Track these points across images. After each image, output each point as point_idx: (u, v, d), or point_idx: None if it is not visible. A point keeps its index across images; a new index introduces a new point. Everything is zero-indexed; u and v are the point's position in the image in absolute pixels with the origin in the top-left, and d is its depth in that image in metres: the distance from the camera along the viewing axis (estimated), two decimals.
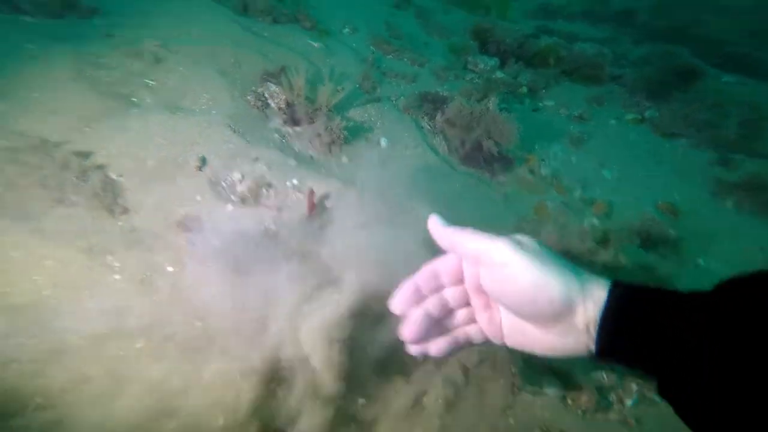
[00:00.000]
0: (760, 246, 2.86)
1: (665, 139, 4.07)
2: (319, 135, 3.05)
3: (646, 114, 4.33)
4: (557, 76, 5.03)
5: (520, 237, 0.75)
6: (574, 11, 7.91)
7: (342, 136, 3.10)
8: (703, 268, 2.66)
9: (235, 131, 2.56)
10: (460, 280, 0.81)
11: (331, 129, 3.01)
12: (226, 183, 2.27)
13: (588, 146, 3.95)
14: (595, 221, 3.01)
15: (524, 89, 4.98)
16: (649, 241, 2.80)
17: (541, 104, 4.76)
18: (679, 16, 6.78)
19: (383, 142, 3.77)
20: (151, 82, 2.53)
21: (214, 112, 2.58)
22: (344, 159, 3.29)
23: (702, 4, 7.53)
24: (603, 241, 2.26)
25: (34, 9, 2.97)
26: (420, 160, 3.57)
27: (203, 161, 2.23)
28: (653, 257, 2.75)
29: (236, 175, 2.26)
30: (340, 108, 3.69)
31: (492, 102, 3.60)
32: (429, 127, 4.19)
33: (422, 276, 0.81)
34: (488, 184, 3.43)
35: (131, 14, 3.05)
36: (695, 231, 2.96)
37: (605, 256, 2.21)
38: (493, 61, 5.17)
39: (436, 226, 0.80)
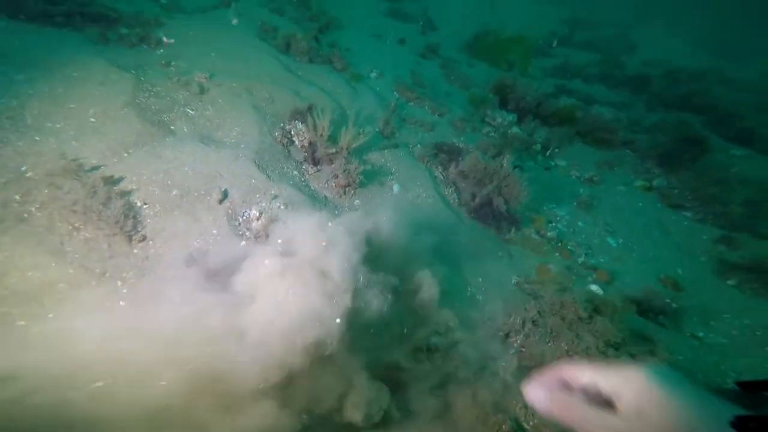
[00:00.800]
0: (760, 323, 2.78)
1: (672, 210, 4.05)
2: (336, 176, 3.13)
3: (655, 182, 4.35)
4: (571, 136, 5.12)
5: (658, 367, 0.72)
6: (591, 73, 8.19)
7: (358, 179, 3.18)
8: (702, 340, 2.57)
9: (258, 167, 2.65)
10: None
11: (349, 172, 3.09)
12: (243, 218, 2.32)
13: (596, 211, 3.95)
14: (596, 288, 2.95)
15: (538, 146, 5.08)
16: (649, 311, 2.74)
17: (553, 163, 4.82)
18: (690, 86, 6.97)
19: (396, 188, 3.82)
20: (191, 111, 2.67)
21: (242, 146, 2.69)
22: (357, 202, 3.34)
23: (710, 74, 7.76)
24: (598, 309, 2.21)
25: (118, 40, 3.31)
26: (430, 210, 3.59)
27: (225, 194, 2.30)
28: (652, 327, 2.68)
29: (254, 213, 2.31)
30: (359, 151, 3.80)
31: (506, 159, 3.67)
32: (442, 177, 4.25)
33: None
34: (494, 240, 3.43)
35: (189, 47, 3.29)
36: (696, 306, 2.89)
37: (599, 324, 2.16)
38: (511, 117, 5.29)
39: (537, 396, 0.80)
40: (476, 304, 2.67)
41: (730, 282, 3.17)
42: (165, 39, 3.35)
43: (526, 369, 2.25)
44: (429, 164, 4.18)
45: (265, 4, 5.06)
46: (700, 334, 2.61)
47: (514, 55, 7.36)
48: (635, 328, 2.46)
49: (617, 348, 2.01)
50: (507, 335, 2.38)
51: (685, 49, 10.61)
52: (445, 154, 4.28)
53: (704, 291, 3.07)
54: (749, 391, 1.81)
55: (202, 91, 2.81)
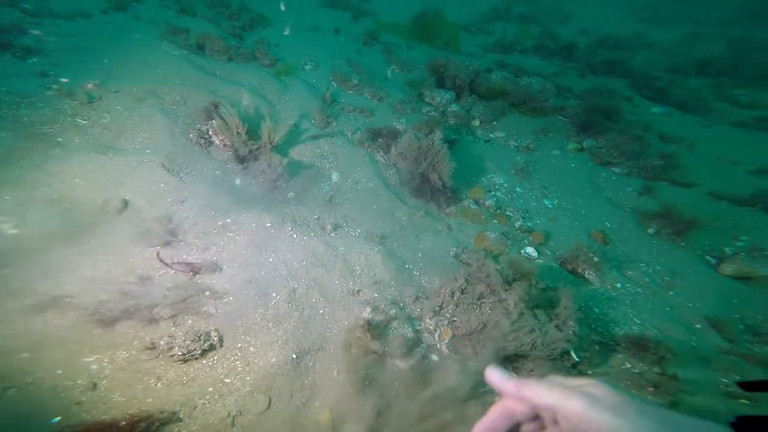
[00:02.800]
0: (669, 269, 2.90)
1: (602, 168, 4.14)
2: (263, 171, 2.94)
3: (585, 144, 4.42)
4: (506, 108, 5.11)
5: (596, 390, 0.65)
6: (527, 46, 8.23)
7: (286, 172, 3.00)
8: (619, 291, 2.65)
9: (169, 170, 2.43)
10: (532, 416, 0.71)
11: (274, 165, 2.92)
12: (149, 224, 2.12)
13: (533, 176, 3.96)
14: (531, 250, 2.96)
15: (477, 121, 5.05)
16: (577, 267, 2.78)
17: (492, 135, 4.80)
18: (616, 52, 7.17)
19: (335, 176, 3.67)
20: (82, 121, 2.39)
21: (148, 151, 2.45)
22: (290, 194, 3.17)
23: (635, 40, 8.02)
24: (518, 271, 2.19)
25: None
26: (371, 194, 3.48)
27: (125, 203, 2.08)
28: (577, 280, 2.73)
29: (157, 215, 2.11)
30: (290, 143, 3.60)
31: (437, 136, 3.59)
32: (384, 161, 4.13)
33: (494, 417, 0.72)
34: (435, 216, 3.37)
35: (73, 54, 2.93)
36: (619, 257, 2.96)
37: (518, 286, 2.14)
38: (449, 95, 5.22)
39: (498, 379, 0.70)
40: (413, 280, 2.61)
41: (650, 230, 3.27)
42: (34, 45, 2.94)
43: (459, 338, 2.22)
44: (370, 149, 4.05)
45: (170, 6, 4.65)
46: (618, 285, 2.67)
47: (445, 36, 7.25)
48: (558, 286, 2.47)
49: (533, 307, 2.00)
50: (440, 307, 2.33)
51: (615, 17, 10.86)
52: (383, 138, 4.16)
53: (628, 241, 3.15)
54: (750, 390, 1.84)
55: (92, 99, 2.52)
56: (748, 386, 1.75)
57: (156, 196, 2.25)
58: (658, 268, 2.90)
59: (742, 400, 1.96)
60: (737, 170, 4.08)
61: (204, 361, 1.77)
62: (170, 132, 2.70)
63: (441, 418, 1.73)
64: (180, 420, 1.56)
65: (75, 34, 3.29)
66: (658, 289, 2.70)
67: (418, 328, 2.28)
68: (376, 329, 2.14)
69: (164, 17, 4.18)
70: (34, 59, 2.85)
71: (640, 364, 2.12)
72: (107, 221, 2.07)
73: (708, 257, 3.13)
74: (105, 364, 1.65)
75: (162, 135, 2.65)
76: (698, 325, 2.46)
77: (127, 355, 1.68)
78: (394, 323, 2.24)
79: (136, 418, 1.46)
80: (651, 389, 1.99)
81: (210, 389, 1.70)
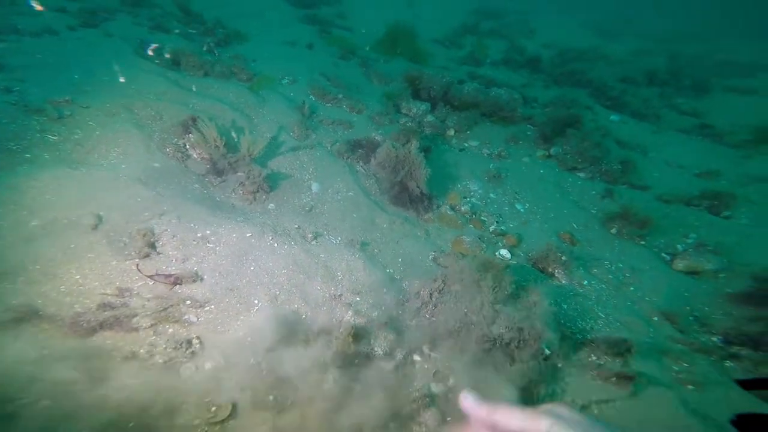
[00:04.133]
0: (628, 265, 3.15)
1: (568, 173, 4.43)
2: (242, 184, 2.98)
3: (552, 151, 4.73)
4: (479, 118, 5.39)
5: (561, 410, 0.70)
6: (497, 59, 8.72)
7: (265, 183, 3.05)
8: (585, 287, 2.85)
9: (146, 185, 2.43)
10: None
11: (254, 177, 2.96)
12: (128, 239, 2.11)
13: (504, 182, 4.19)
14: (505, 252, 3.14)
15: (452, 131, 5.29)
16: (547, 266, 2.97)
17: (466, 144, 5.04)
18: (576, 64, 7.75)
19: (315, 187, 3.75)
20: (53, 137, 2.37)
21: (123, 166, 2.44)
22: (270, 206, 3.22)
23: (592, 53, 8.71)
24: (489, 271, 2.34)
25: None
26: (351, 204, 3.57)
27: (99, 219, 2.07)
28: (548, 278, 2.92)
29: (137, 230, 2.12)
30: (269, 155, 3.65)
31: (413, 145, 3.75)
32: (363, 171, 4.25)
33: None
34: (413, 222, 3.49)
35: (40, 70, 2.89)
36: (585, 255, 3.19)
37: (490, 283, 2.28)
38: (425, 106, 5.44)
39: (471, 405, 0.75)
40: (393, 284, 2.70)
41: (612, 231, 3.54)
42: None
43: (440, 337, 2.31)
44: (349, 160, 4.16)
45: (143, 23, 4.65)
46: (585, 282, 2.88)
47: (408, 49, 7.60)
48: (530, 284, 2.63)
49: (506, 303, 2.14)
50: (419, 309, 2.43)
51: (574, 32, 11.67)
52: (363, 148, 4.29)
53: (594, 241, 3.40)
54: (748, 388, 1.97)
55: (63, 115, 2.51)
56: (747, 384, 1.84)
57: (133, 210, 2.25)
58: (620, 265, 3.14)
59: (689, 386, 2.14)
60: (684, 173, 4.50)
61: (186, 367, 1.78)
62: (146, 146, 2.71)
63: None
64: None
65: (42, 50, 3.25)
66: (620, 285, 2.93)
67: (400, 329, 2.36)
68: (358, 331, 2.20)
69: (137, 33, 4.18)
70: None
71: (605, 357, 2.29)
72: (81, 236, 2.06)
73: (663, 254, 3.41)
74: (77, 375, 1.63)
75: (137, 150, 2.66)
76: (655, 318, 2.68)
77: (104, 366, 1.67)
78: (376, 325, 2.31)
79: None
80: (614, 379, 2.15)
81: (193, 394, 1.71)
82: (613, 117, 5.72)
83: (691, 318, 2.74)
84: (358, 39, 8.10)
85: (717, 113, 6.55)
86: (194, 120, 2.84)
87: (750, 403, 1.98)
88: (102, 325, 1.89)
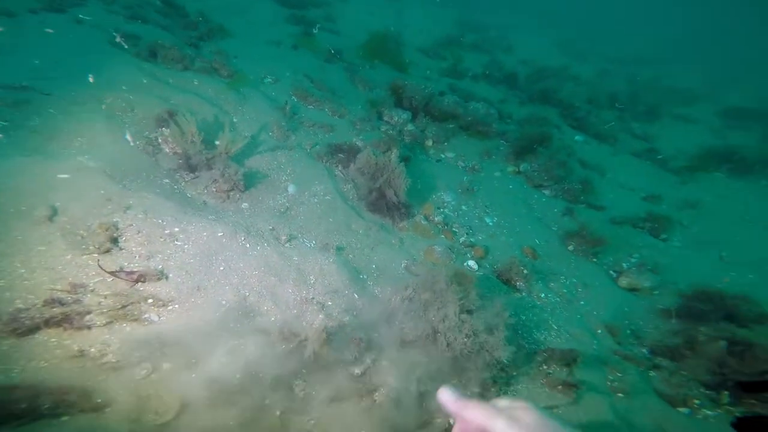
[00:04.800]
0: (581, 281, 3.43)
1: (535, 190, 4.73)
2: (216, 181, 2.93)
3: (521, 167, 5.02)
4: (456, 130, 5.60)
5: (521, 411, 0.77)
6: (477, 72, 9.09)
7: (241, 182, 3.02)
8: (543, 300, 3.08)
9: (111, 177, 2.33)
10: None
11: (229, 175, 2.92)
12: (85, 232, 2.02)
13: (476, 195, 4.39)
14: (472, 263, 3.30)
15: (430, 142, 5.46)
16: (510, 279, 3.16)
17: (443, 156, 5.22)
18: (547, 82, 8.27)
19: (291, 188, 3.73)
20: (3, 122, 2.21)
21: (87, 156, 2.33)
22: (244, 205, 3.18)
23: (562, 72, 9.34)
24: (460, 281, 2.47)
25: None
26: (327, 207, 3.59)
27: (54, 210, 1.96)
28: (510, 290, 3.12)
29: (99, 224, 2.03)
30: (246, 154, 3.61)
31: (394, 154, 3.85)
32: (342, 175, 4.29)
33: None
34: (389, 230, 3.58)
35: (6, 54, 2.68)
36: (545, 270, 3.43)
37: (465, 291, 2.41)
38: (406, 115, 5.58)
39: (446, 399, 0.83)
40: (366, 289, 2.76)
41: (570, 247, 3.83)
42: None
43: (408, 343, 2.40)
44: (328, 163, 4.18)
45: (118, 12, 4.45)
46: (542, 295, 3.10)
47: (393, 57, 7.79)
48: (493, 295, 2.79)
49: (470, 313, 2.27)
50: (390, 315, 2.50)
51: (547, 50, 12.40)
52: (343, 153, 4.32)
53: (553, 257, 3.65)
54: (749, 391, 2.09)
55: (17, 102, 2.35)
56: (747, 387, 1.99)
57: (94, 203, 2.16)
58: (574, 280, 3.40)
59: (620, 394, 2.38)
60: (633, 196, 4.93)
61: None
62: (113, 138, 2.60)
63: None
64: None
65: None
66: (572, 299, 3.17)
67: (370, 334, 2.42)
68: (328, 335, 2.23)
69: (111, 22, 3.97)
70: None
71: (554, 366, 2.48)
72: (32, 228, 1.95)
73: (611, 271, 3.74)
74: (14, 375, 1.55)
75: (104, 141, 2.54)
76: (599, 331, 2.93)
77: (45, 365, 1.60)
78: (347, 329, 2.35)
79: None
80: (560, 387, 2.33)
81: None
82: (578, 137, 6.16)
83: (628, 331, 3.02)
84: (345, 42, 8.16)
85: (665, 139, 7.23)
86: (171, 114, 2.76)
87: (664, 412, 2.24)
88: (47, 323, 1.80)
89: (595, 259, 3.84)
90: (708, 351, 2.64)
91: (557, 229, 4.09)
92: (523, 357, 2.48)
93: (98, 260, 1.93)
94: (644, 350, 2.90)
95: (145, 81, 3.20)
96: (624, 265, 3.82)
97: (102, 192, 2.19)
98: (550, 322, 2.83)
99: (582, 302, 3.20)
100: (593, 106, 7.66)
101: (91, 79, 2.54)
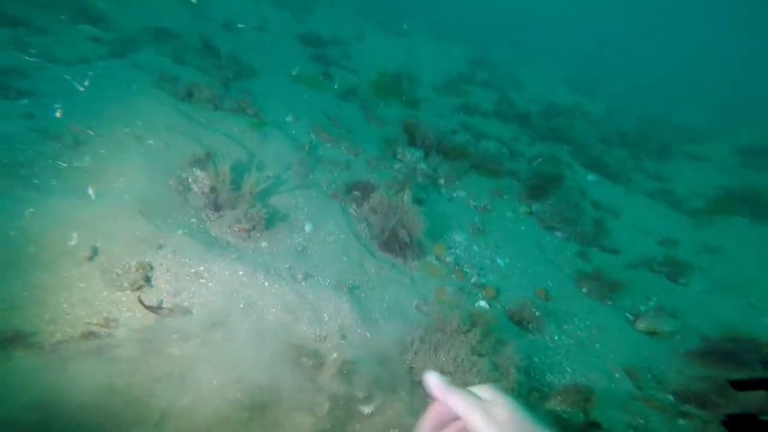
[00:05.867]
0: (596, 323, 3.44)
1: (547, 231, 4.84)
2: (238, 221, 3.17)
3: (533, 208, 5.17)
4: (468, 168, 5.85)
5: (497, 407, 0.80)
6: (488, 110, 9.52)
7: (262, 222, 3.26)
8: (556, 342, 3.11)
9: (145, 216, 2.59)
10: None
11: (251, 215, 3.16)
12: (121, 270, 2.24)
13: (488, 236, 4.53)
14: (483, 303, 3.38)
15: (442, 180, 5.70)
16: (522, 320, 3.22)
17: (455, 194, 5.43)
18: (558, 121, 8.57)
19: (308, 227, 3.95)
20: (62, 164, 2.52)
21: (126, 196, 2.60)
22: (263, 244, 3.39)
23: (571, 112, 9.67)
24: (475, 322, 2.56)
25: None
26: (342, 246, 3.77)
27: (95, 251, 2.20)
28: (521, 333, 3.16)
29: (137, 262, 2.25)
30: (267, 193, 3.88)
31: (407, 194, 4.07)
32: (356, 214, 4.51)
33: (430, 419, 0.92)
34: (400, 269, 3.72)
35: (64, 98, 3.11)
36: (558, 312, 3.48)
37: (471, 336, 2.49)
38: (419, 153, 5.88)
39: (432, 383, 0.89)
40: (378, 328, 2.86)
41: (584, 290, 3.89)
42: (27, 88, 3.10)
43: (418, 384, 2.46)
44: (343, 202, 4.43)
45: (167, 54, 5.04)
46: (555, 337, 3.14)
47: (406, 95, 8.25)
48: (505, 337, 2.85)
49: (482, 355, 2.35)
50: (401, 354, 2.59)
51: (556, 87, 12.90)
52: (358, 191, 4.57)
53: (566, 299, 3.70)
54: (741, 389, 2.14)
55: (78, 142, 2.70)
56: (739, 385, 2.03)
57: (130, 242, 2.39)
58: (588, 323, 3.43)
59: None
60: (649, 239, 4.99)
61: None
62: (149, 177, 2.89)
63: None
64: None
65: (72, 76, 3.50)
66: (587, 342, 3.19)
67: (380, 372, 2.49)
68: (342, 372, 2.32)
69: (159, 65, 4.51)
70: (26, 101, 2.98)
71: (569, 410, 2.49)
72: (76, 266, 2.18)
73: (627, 314, 3.75)
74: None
75: (141, 180, 2.83)
76: (617, 374, 2.93)
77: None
78: (359, 367, 2.44)
79: None
80: None
81: None
82: (590, 177, 6.32)
83: (649, 375, 3.00)
84: (361, 80, 8.75)
85: (678, 179, 7.31)
86: (208, 155, 3.07)
87: None
88: (82, 354, 1.97)
89: (610, 302, 3.86)
90: (748, 399, 2.56)
91: (570, 272, 4.15)
92: (535, 400, 2.50)
93: (139, 296, 2.13)
94: (669, 396, 2.86)
95: (180, 121, 3.57)
96: (641, 308, 3.83)
97: (137, 232, 2.44)
98: (564, 364, 2.85)
99: (597, 345, 3.21)
100: (606, 144, 7.87)
101: (139, 123, 2.89)
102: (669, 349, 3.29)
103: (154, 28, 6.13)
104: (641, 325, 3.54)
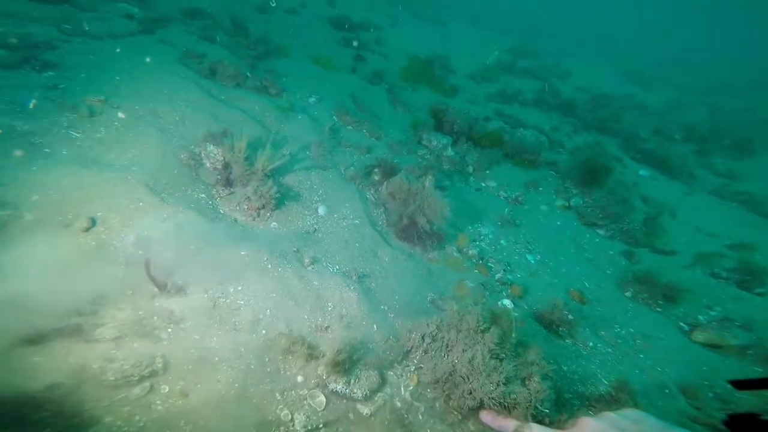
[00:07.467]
0: (641, 332, 3.03)
1: (587, 228, 4.38)
2: (248, 198, 3.11)
3: (572, 202, 4.70)
4: (500, 158, 5.46)
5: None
6: (527, 99, 8.92)
7: (273, 201, 3.17)
8: (590, 349, 2.74)
9: (151, 189, 2.57)
10: None
11: (262, 193, 3.09)
12: (118, 243, 2.22)
13: (518, 230, 4.17)
14: (508, 302, 3.08)
15: (470, 168, 5.37)
16: (552, 323, 2.89)
17: (484, 184, 5.08)
18: (608, 110, 7.82)
19: (321, 210, 3.83)
20: (76, 134, 2.57)
21: (135, 168, 2.61)
22: (274, 224, 3.32)
23: (626, 101, 8.79)
24: (497, 321, 2.30)
25: None
26: (355, 232, 3.62)
27: (92, 222, 2.19)
28: (550, 335, 2.83)
29: (130, 237, 2.23)
30: (282, 172, 3.81)
31: (428, 180, 3.83)
32: (373, 199, 4.33)
33: None
34: (417, 259, 3.50)
35: (88, 70, 3.22)
36: (594, 316, 3.09)
37: (489, 336, 2.23)
38: (446, 140, 5.57)
39: (490, 420, 1.00)
40: (386, 322, 2.68)
41: (627, 294, 3.44)
42: (54, 60, 3.21)
43: (424, 385, 2.26)
44: (361, 186, 4.27)
45: (195, 32, 5.13)
46: (590, 344, 2.78)
47: (436, 81, 7.90)
48: (529, 340, 2.56)
49: (501, 360, 2.08)
50: (408, 352, 2.40)
51: (608, 77, 11.85)
52: (379, 171, 4.37)
53: (605, 302, 3.29)
54: (742, 389, 1.90)
55: (93, 113, 2.75)
56: (741, 384, 1.78)
57: (132, 214, 2.37)
58: (631, 330, 3.02)
59: None
60: (714, 243, 4.35)
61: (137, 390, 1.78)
62: (161, 151, 2.88)
63: None
64: None
65: (98, 52, 3.62)
66: (629, 351, 2.80)
67: (384, 371, 2.33)
68: (341, 368, 2.18)
69: (186, 42, 4.59)
70: (51, 73, 3.12)
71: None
72: (71, 238, 2.16)
73: (681, 323, 3.27)
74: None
75: (152, 153, 2.83)
76: (666, 390, 2.53)
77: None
78: (361, 364, 2.29)
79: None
80: None
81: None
82: (643, 171, 5.68)
83: (710, 394, 2.57)
84: (391, 65, 8.53)
85: (758, 178, 6.37)
86: (225, 132, 3.03)
87: None
88: (60, 332, 1.90)
89: (659, 309, 3.40)
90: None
91: (612, 273, 3.71)
92: (563, 411, 2.21)
93: (147, 263, 2.07)
94: None
95: (200, 97, 3.57)
96: (700, 318, 3.33)
97: (141, 204, 2.41)
98: (599, 375, 2.51)
99: (641, 355, 2.81)
100: (663, 137, 7.08)
101: (158, 97, 2.89)
102: (739, 366, 2.81)
103: (190, 9, 6.30)
104: (700, 336, 3.06)
